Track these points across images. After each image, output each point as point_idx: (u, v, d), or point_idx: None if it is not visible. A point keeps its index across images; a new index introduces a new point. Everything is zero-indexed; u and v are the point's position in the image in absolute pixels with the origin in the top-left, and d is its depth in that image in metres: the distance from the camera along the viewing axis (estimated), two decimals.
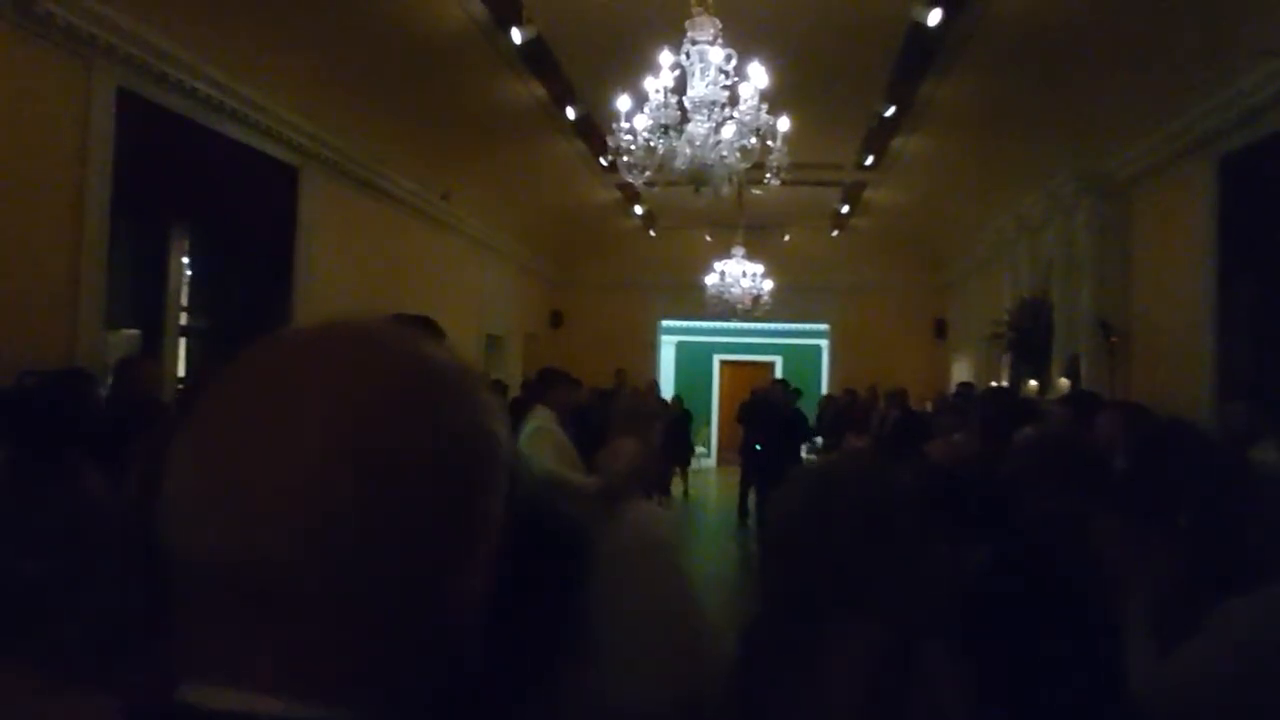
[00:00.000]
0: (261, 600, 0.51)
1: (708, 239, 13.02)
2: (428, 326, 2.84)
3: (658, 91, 5.00)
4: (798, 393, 10.89)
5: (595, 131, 8.54)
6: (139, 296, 6.00)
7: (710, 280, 11.71)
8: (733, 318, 12.31)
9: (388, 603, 0.53)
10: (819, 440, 10.73)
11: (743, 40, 5.12)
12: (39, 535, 1.32)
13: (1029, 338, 9.09)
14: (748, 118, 4.96)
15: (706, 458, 17.80)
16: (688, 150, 4.95)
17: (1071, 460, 2.31)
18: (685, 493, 13.26)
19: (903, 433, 5.75)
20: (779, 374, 18.57)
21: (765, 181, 5.36)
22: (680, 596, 3.07)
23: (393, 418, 0.53)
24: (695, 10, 4.94)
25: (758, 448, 9.91)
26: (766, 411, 9.98)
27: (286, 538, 0.50)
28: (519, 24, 6.59)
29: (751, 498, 10.29)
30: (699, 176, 5.07)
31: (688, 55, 4.94)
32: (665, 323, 16.41)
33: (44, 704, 1.21)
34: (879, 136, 9.33)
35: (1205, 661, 1.45)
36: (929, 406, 8.95)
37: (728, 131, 4.96)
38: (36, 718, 1.20)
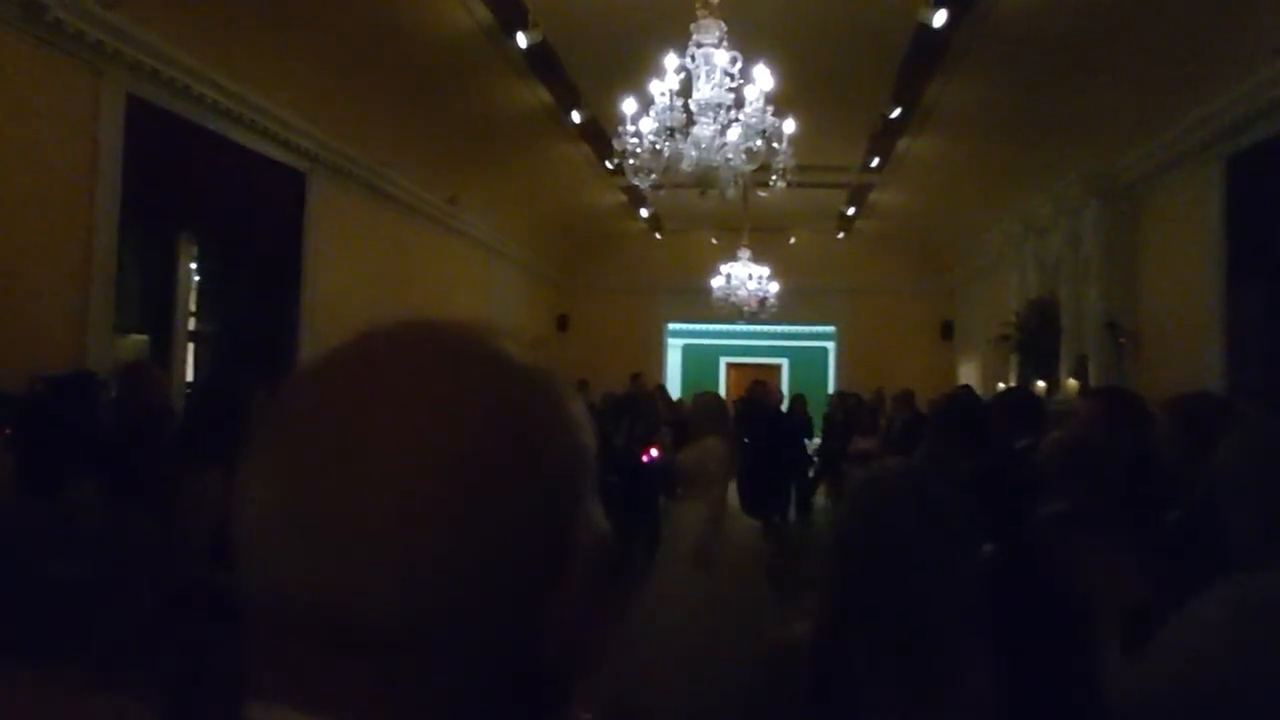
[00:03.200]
0: (346, 632, 0.47)
1: (713, 241, 13.02)
2: None
3: (663, 94, 5.00)
4: (802, 398, 11.10)
5: (601, 135, 8.55)
6: (147, 301, 6.03)
7: (716, 283, 11.71)
8: (739, 320, 12.31)
9: (482, 635, 0.49)
10: (818, 440, 10.88)
11: (748, 43, 5.12)
12: (53, 540, 1.33)
13: (1036, 339, 9.06)
14: (753, 120, 4.96)
15: None
16: (693, 153, 4.95)
17: (1094, 463, 2.31)
18: None
19: (910, 435, 5.74)
20: (785, 376, 18.58)
21: (771, 184, 5.36)
22: (740, 608, 3.21)
23: (493, 436, 0.49)
24: (700, 13, 4.95)
25: (745, 440, 10.14)
26: (754, 411, 10.19)
27: (379, 572, 0.46)
28: (524, 29, 6.60)
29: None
30: (705, 179, 5.08)
31: (693, 58, 4.94)
32: (671, 325, 16.42)
33: (69, 706, 1.22)
34: (885, 138, 9.33)
35: (1169, 663, 1.44)
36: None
37: (733, 134, 4.97)
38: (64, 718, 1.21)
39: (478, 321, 0.55)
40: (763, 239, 12.27)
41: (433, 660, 0.48)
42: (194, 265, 6.47)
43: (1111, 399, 3.07)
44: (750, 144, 4.99)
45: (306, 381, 0.52)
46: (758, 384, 10.77)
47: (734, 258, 11.68)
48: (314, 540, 0.47)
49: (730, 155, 4.97)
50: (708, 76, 4.93)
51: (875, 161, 10.08)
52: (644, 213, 13.10)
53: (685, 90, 5.04)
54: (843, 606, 1.27)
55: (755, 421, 9.89)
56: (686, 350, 18.51)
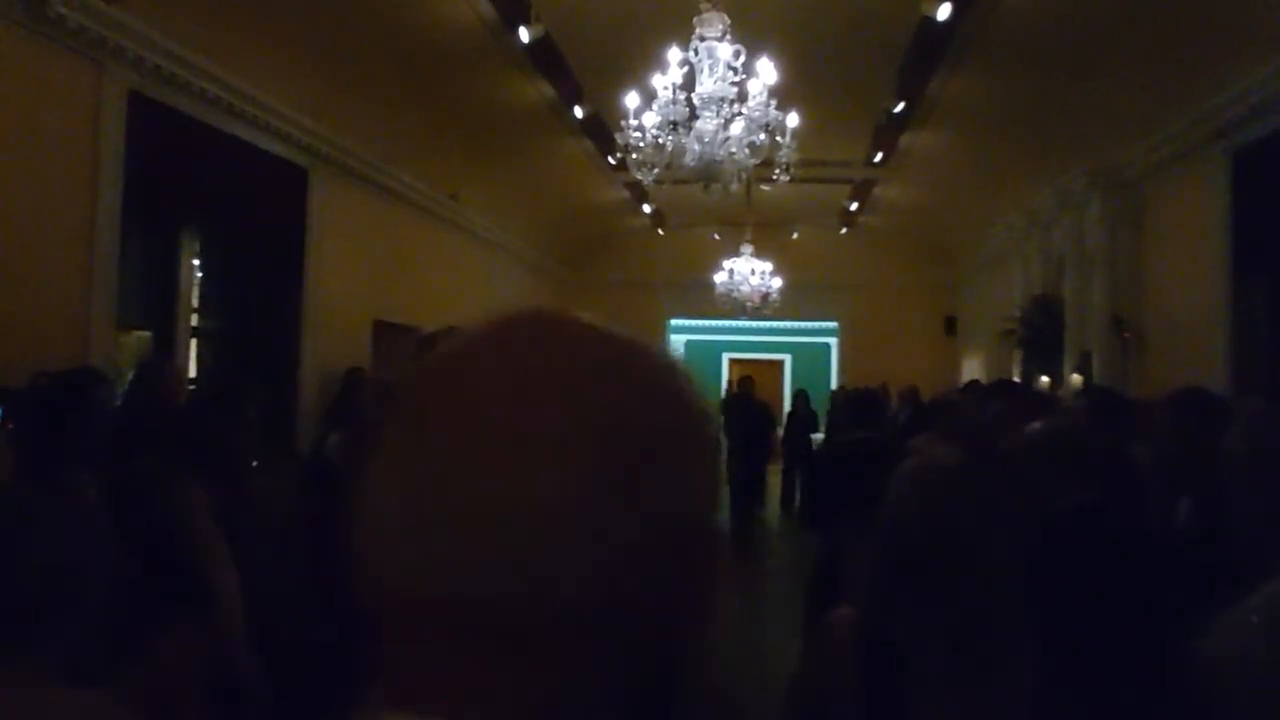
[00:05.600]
0: (494, 632, 0.45)
1: (716, 237, 13.01)
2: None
3: (666, 89, 4.98)
4: (804, 394, 11.16)
5: (603, 130, 8.54)
6: (150, 298, 6.02)
7: (719, 278, 11.70)
8: (742, 316, 12.30)
9: (637, 630, 0.47)
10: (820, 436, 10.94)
11: (751, 36, 5.10)
12: (43, 534, 1.32)
13: (1041, 334, 9.04)
14: (756, 114, 4.94)
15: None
16: (696, 147, 4.93)
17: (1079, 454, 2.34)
18: None
19: (915, 429, 5.73)
20: (788, 372, 18.58)
21: (774, 178, 5.33)
22: None
23: (639, 420, 0.48)
24: (704, 6, 4.93)
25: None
26: (737, 407, 10.30)
27: (532, 566, 0.45)
28: (526, 23, 6.58)
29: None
30: (708, 173, 5.06)
31: (696, 52, 4.92)
32: (674, 321, 16.42)
33: (37, 698, 1.21)
34: (888, 133, 9.30)
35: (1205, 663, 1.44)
36: None
37: (736, 128, 4.95)
38: (33, 714, 1.20)
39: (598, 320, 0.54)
40: (766, 234, 12.25)
41: (587, 661, 0.46)
42: (196, 261, 6.46)
43: (1095, 397, 3.10)
44: (753, 138, 4.97)
45: (443, 373, 0.51)
46: (745, 380, 10.84)
47: (737, 253, 11.67)
48: (467, 536, 0.45)
49: (733, 149, 4.94)
50: (711, 70, 4.91)
51: (879, 156, 10.05)
52: (646, 208, 13.08)
53: (688, 84, 5.01)
54: (892, 591, 1.30)
55: (738, 419, 9.97)
56: (689, 346, 18.50)
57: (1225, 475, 1.56)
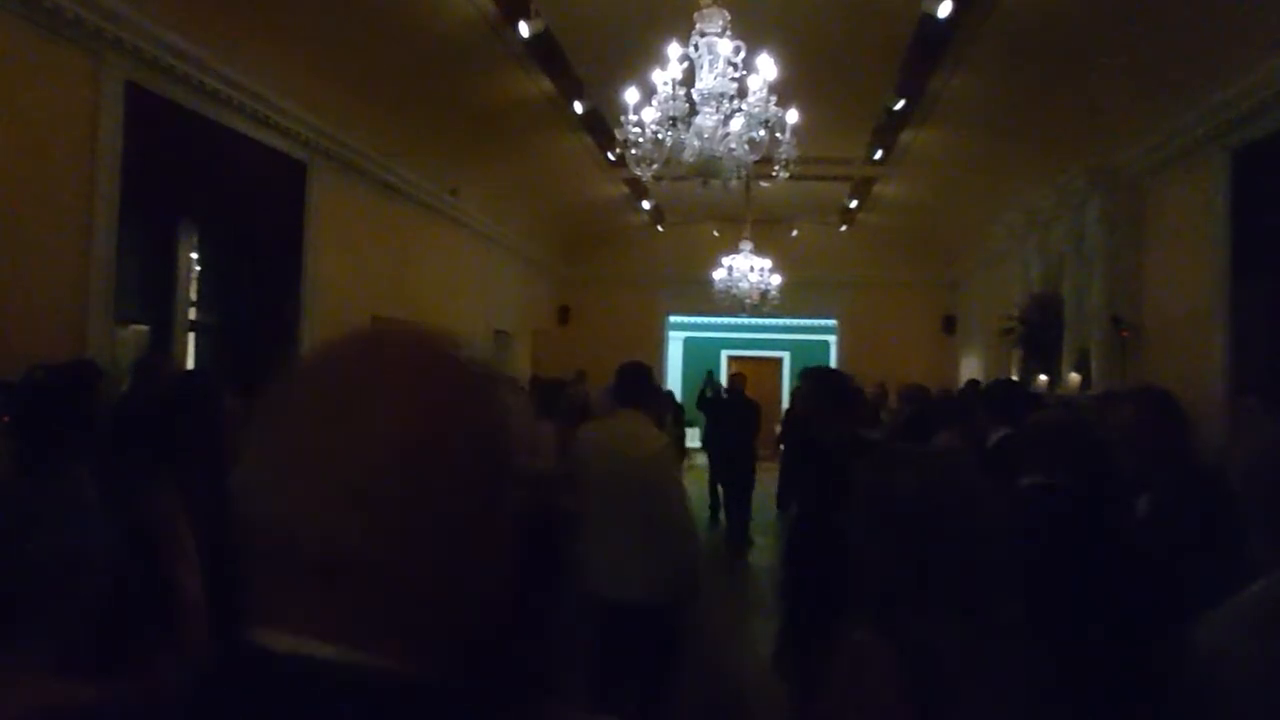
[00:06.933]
0: (323, 565, 0.60)
1: (715, 234, 13.00)
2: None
3: (666, 84, 4.97)
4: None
5: (603, 126, 8.53)
6: (148, 291, 6.01)
7: (718, 275, 11.69)
8: (740, 313, 12.29)
9: (432, 572, 0.62)
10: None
11: (751, 32, 5.09)
12: (38, 523, 1.31)
13: (1039, 333, 9.04)
14: (756, 110, 4.93)
15: None
16: (696, 143, 4.92)
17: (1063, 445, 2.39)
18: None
19: (918, 426, 5.74)
20: (787, 369, 18.57)
21: (773, 175, 5.32)
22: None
23: (444, 417, 0.64)
24: (704, 2, 4.91)
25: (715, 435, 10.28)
26: (726, 406, 10.28)
27: (349, 515, 0.60)
28: (526, 18, 6.57)
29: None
30: (707, 169, 5.04)
31: (696, 47, 4.90)
32: (673, 318, 16.41)
33: (30, 689, 1.21)
34: (888, 130, 9.28)
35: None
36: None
37: (736, 124, 4.93)
38: (23, 701, 1.20)
39: (439, 329, 0.71)
40: (765, 231, 12.24)
41: (396, 592, 0.61)
42: (194, 254, 6.44)
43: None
44: (753, 134, 4.96)
45: (301, 373, 0.67)
46: (736, 378, 10.89)
47: (736, 250, 11.65)
48: (305, 489, 0.61)
49: (733, 145, 4.93)
50: (711, 66, 4.89)
51: (879, 153, 10.03)
52: (646, 205, 13.07)
53: (688, 80, 5.00)
54: (910, 597, 1.32)
55: (725, 418, 9.99)
56: (688, 343, 18.50)
57: (1239, 490, 1.55)
